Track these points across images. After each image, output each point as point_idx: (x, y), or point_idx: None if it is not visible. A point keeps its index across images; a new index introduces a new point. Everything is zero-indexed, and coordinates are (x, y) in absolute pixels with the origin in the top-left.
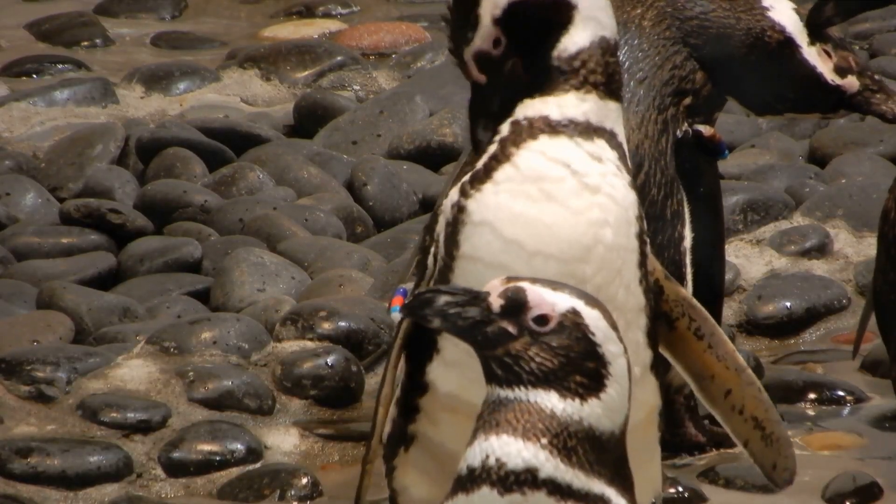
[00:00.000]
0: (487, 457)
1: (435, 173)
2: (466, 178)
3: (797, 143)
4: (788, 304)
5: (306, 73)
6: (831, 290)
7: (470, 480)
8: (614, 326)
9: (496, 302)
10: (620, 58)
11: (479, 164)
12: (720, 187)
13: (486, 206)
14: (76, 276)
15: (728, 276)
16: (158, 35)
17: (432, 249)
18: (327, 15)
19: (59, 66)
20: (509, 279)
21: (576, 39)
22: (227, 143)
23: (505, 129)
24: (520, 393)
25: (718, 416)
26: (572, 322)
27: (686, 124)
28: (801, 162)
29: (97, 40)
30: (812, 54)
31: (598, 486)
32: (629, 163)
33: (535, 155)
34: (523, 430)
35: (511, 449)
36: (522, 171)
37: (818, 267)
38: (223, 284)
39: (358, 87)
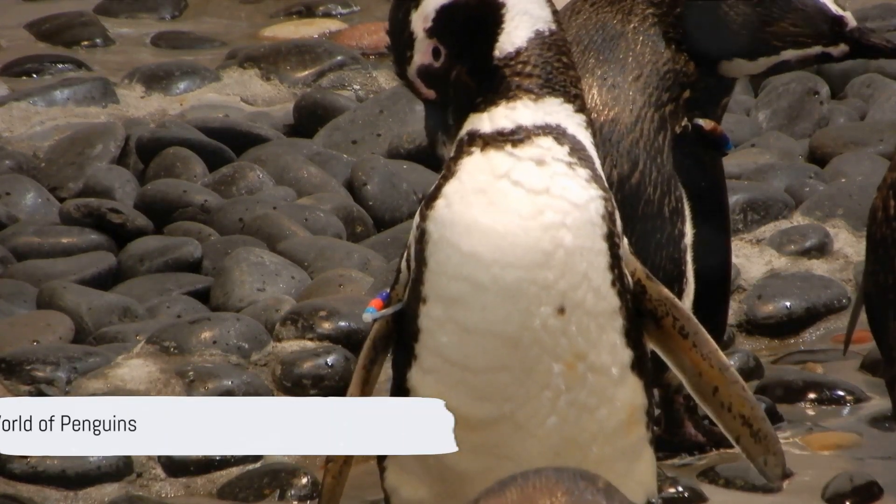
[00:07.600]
0: None
1: (435, 173)
2: (425, 197)
3: (797, 142)
4: (788, 303)
5: (306, 72)
6: (831, 290)
7: None
8: None
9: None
10: (618, 54)
11: (435, 183)
12: (724, 181)
13: (441, 223)
14: (76, 275)
15: None
16: (158, 35)
17: (405, 255)
18: (327, 15)
19: (59, 66)
20: None
21: (507, 41)
22: (227, 143)
23: (452, 148)
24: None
25: (710, 413)
26: None
27: (686, 119)
28: (801, 161)
29: (97, 40)
30: None
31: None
32: (596, 154)
33: (475, 169)
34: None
35: None
36: (466, 185)
37: (818, 266)
38: (223, 284)
39: (358, 87)
